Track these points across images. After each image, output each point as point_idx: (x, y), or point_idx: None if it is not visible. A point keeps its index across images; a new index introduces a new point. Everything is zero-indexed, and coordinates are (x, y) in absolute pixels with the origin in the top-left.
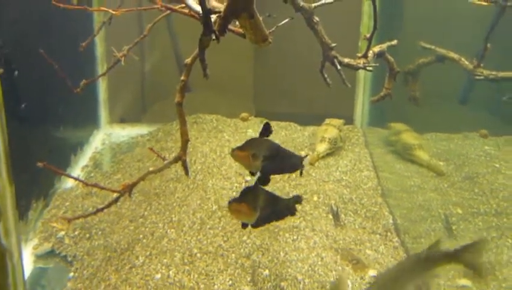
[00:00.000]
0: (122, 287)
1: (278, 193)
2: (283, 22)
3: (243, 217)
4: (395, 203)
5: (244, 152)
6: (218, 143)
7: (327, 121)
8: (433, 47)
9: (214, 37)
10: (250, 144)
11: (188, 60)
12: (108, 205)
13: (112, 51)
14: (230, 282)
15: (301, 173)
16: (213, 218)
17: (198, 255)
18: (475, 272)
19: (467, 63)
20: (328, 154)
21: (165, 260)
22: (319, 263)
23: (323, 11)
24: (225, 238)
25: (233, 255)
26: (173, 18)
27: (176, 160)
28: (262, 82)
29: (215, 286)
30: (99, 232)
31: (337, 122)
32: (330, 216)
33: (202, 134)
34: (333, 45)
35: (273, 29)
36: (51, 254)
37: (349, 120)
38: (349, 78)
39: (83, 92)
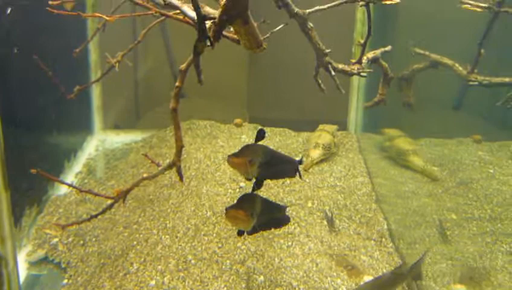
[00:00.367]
0: None
1: (271, 198)
2: (277, 28)
3: (240, 224)
4: (389, 209)
5: (241, 159)
6: (213, 149)
7: (321, 127)
8: (427, 53)
9: (208, 43)
10: (245, 150)
11: (183, 66)
12: (102, 212)
13: (106, 57)
14: (225, 288)
15: (300, 176)
16: (207, 224)
17: (193, 261)
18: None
19: (460, 68)
20: (322, 160)
21: (159, 267)
22: (314, 269)
23: (317, 17)
24: (219, 245)
25: (227, 261)
26: (167, 24)
27: (170, 166)
28: (256, 88)
29: None
30: (93, 239)
31: (331, 128)
32: (325, 222)
33: (196, 140)
34: (327, 50)
35: (267, 35)
36: (44, 260)
37: (343, 125)
38: (343, 83)
39: (77, 97)
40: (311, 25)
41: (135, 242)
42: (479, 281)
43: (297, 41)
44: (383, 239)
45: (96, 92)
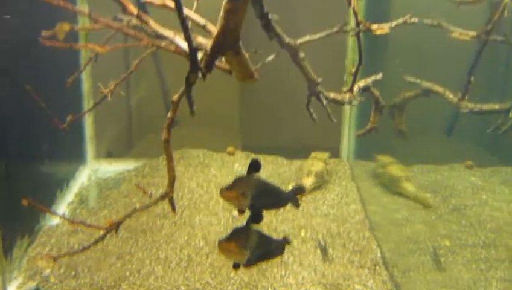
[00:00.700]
0: None
1: (265, 227)
2: (269, 59)
3: (233, 256)
4: (383, 236)
5: (233, 192)
6: (205, 178)
7: (313, 154)
8: (418, 81)
9: (200, 75)
10: (238, 182)
11: (175, 97)
12: (95, 243)
13: (99, 87)
14: None
15: (298, 206)
16: (200, 254)
17: None
18: None
19: (451, 96)
20: (315, 188)
21: None
22: None
23: (309, 44)
24: (213, 275)
25: None
26: (160, 52)
27: (163, 197)
28: (248, 115)
29: None
30: (86, 270)
31: (323, 155)
32: (318, 251)
33: (189, 169)
34: (319, 80)
35: (259, 65)
36: None
37: (336, 152)
38: (336, 110)
39: (69, 127)
40: (303, 55)
41: (128, 273)
42: None
43: (290, 67)
44: (377, 267)
45: (88, 121)
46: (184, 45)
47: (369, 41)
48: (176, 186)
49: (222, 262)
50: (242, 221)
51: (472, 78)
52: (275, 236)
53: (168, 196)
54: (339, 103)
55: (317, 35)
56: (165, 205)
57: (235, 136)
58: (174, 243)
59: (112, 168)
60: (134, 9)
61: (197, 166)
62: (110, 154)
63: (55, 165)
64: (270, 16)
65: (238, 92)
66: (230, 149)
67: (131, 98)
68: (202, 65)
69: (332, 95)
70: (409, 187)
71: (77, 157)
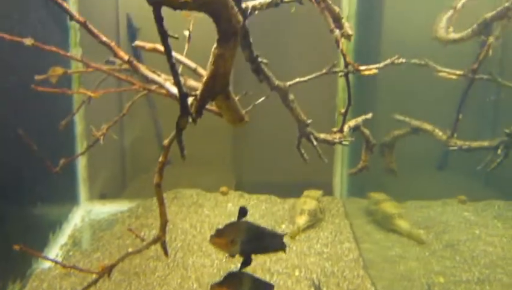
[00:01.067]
0: None
1: (258, 268)
2: (259, 101)
3: None
4: (377, 274)
5: (222, 239)
6: (198, 219)
7: (306, 193)
8: (407, 119)
9: (190, 119)
10: (228, 228)
11: (166, 142)
12: (87, 287)
13: (91, 130)
14: None
15: (285, 251)
16: None
17: None
18: None
19: (440, 134)
20: (309, 227)
21: None
22: None
23: (300, 84)
24: None
25: None
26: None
27: (155, 241)
28: (241, 154)
29: None
30: None
31: (316, 193)
32: None
33: (182, 209)
34: (309, 121)
35: (249, 108)
36: None
37: (329, 188)
38: (327, 149)
39: (62, 169)
40: (292, 97)
41: None
42: None
43: (282, 105)
44: None
45: (82, 163)
46: (174, 90)
47: (359, 81)
48: (169, 228)
49: None
50: (235, 262)
51: (460, 116)
52: (268, 278)
53: (160, 240)
54: (330, 143)
55: (307, 77)
56: (158, 247)
57: (229, 175)
58: (167, 285)
59: (105, 209)
60: (124, 55)
61: (191, 206)
62: (104, 195)
63: (47, 207)
64: (259, 59)
65: (231, 131)
66: (223, 189)
67: (124, 139)
68: (192, 110)
69: (322, 135)
70: (403, 224)
71: (70, 199)
